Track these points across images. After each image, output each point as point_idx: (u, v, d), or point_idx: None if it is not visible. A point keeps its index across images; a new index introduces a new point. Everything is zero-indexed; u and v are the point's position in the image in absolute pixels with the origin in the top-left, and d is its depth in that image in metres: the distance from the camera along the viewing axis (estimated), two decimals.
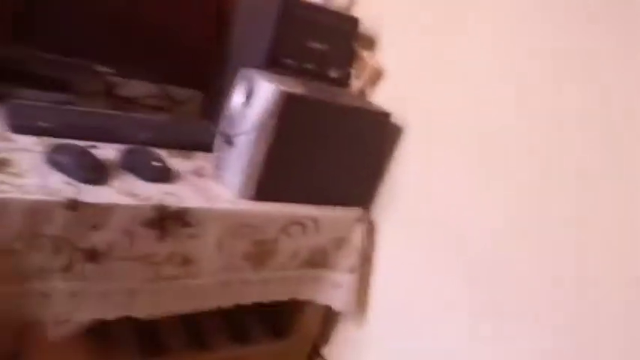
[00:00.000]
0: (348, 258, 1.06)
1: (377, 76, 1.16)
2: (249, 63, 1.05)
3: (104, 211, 0.77)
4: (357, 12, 1.23)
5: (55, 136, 0.91)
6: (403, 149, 1.10)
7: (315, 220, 0.99)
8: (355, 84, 1.17)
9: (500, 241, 0.91)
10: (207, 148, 1.07)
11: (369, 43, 1.18)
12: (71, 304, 0.79)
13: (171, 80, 1.25)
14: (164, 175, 0.91)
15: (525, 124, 0.89)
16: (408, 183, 1.09)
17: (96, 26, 1.06)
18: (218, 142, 1.01)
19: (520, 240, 0.88)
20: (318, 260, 1.04)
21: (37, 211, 0.72)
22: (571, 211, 0.82)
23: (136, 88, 1.25)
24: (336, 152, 1.02)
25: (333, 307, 1.10)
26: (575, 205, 0.81)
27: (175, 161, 0.98)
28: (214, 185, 0.95)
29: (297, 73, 1.09)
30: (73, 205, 0.75)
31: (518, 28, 0.92)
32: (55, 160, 0.82)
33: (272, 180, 0.95)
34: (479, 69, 0.98)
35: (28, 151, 0.84)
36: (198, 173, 0.99)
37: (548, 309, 0.83)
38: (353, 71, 1.17)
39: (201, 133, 1.13)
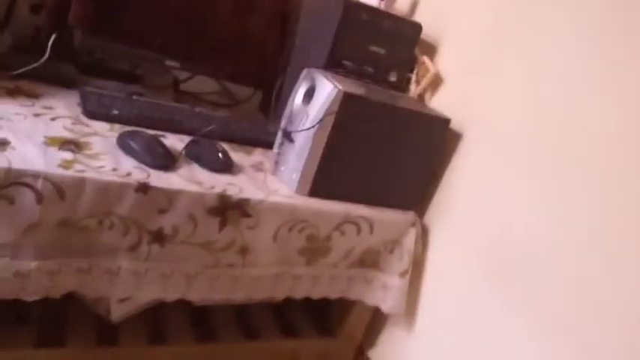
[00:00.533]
0: (400, 261, 1.06)
1: (437, 81, 1.16)
2: (310, 64, 1.07)
3: (171, 195, 0.81)
4: (419, 17, 1.24)
5: (125, 124, 0.96)
6: (460, 155, 1.09)
7: (369, 221, 1.00)
8: (414, 89, 1.18)
9: (555, 253, 0.89)
10: (266, 144, 1.10)
11: (430, 48, 1.19)
12: (134, 282, 0.83)
13: (233, 78, 1.29)
14: (227, 167, 0.94)
15: (586, 136, 0.87)
16: (462, 190, 1.08)
17: (167, 22, 1.11)
18: (278, 138, 1.03)
19: (577, 253, 0.86)
20: (370, 261, 1.04)
21: (109, 192, 0.76)
22: (636, 225, 0.79)
23: (201, 84, 1.30)
24: (392, 154, 1.02)
25: (381, 308, 1.09)
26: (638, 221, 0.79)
27: (236, 155, 1.01)
28: (273, 180, 0.98)
29: (357, 75, 1.11)
30: (143, 188, 0.78)
31: (589, 33, 0.91)
32: (127, 145, 0.86)
33: (328, 177, 0.97)
34: (542, 77, 0.97)
35: (102, 136, 0.89)
36: (258, 167, 1.01)
37: (608, 323, 0.80)
38: (412, 76, 1.18)
39: (261, 130, 1.16)
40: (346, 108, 0.92)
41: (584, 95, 0.90)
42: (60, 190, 0.73)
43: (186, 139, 0.97)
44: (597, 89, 0.88)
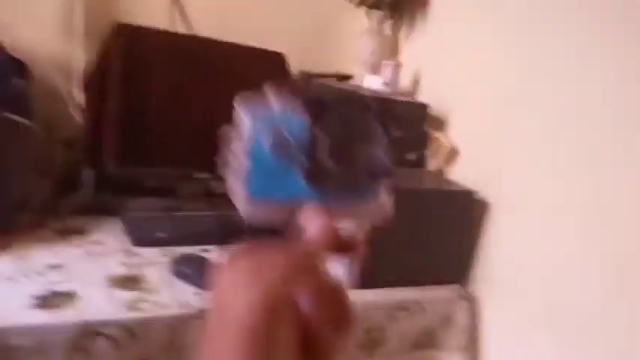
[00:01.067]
0: (455, 336, 1.07)
1: (452, 154, 1.21)
2: None
3: None
4: (423, 95, 1.31)
5: (171, 245, 1.00)
6: (492, 223, 1.13)
7: (418, 302, 1.03)
8: (433, 163, 1.23)
9: (601, 312, 0.91)
10: None
11: (440, 123, 1.25)
12: None
13: None
14: None
15: (610, 192, 0.92)
16: (501, 256, 1.11)
17: (190, 139, 1.17)
18: None
19: (624, 312, 0.88)
20: (426, 341, 1.06)
21: (175, 325, 0.79)
22: None
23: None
24: (427, 233, 1.06)
25: None
26: None
27: None
28: None
29: None
30: (203, 315, 0.81)
31: (597, 100, 0.97)
32: (180, 271, 0.90)
33: (374, 268, 0.99)
34: (559, 134, 1.02)
35: (154, 264, 0.93)
36: None
37: None
38: (429, 152, 1.24)
39: None
40: None
41: (607, 146, 0.94)
42: (131, 332, 0.76)
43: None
44: (619, 140, 0.93)
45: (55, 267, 0.86)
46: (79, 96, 1.13)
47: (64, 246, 0.94)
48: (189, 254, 0.95)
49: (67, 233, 0.99)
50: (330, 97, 0.32)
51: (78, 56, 1.13)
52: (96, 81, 1.07)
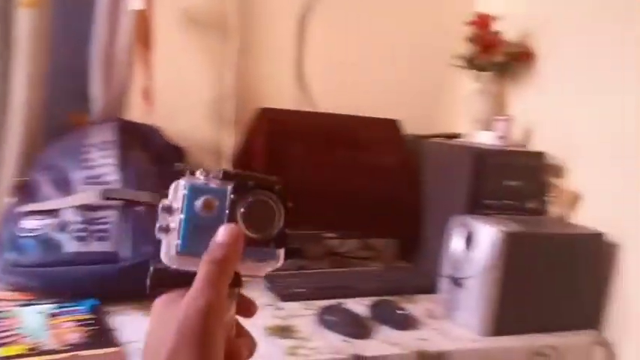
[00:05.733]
0: None
1: (574, 199, 1.22)
2: (448, 209, 1.19)
3: None
4: (538, 146, 1.34)
5: (310, 299, 1.10)
6: (623, 265, 1.11)
7: (554, 348, 1.02)
8: (553, 210, 1.24)
9: None
10: (424, 290, 1.19)
11: (559, 170, 1.27)
12: None
13: (372, 234, 1.44)
14: (410, 323, 1.03)
15: None
16: (635, 300, 1.08)
17: (322, 202, 1.30)
18: (444, 284, 1.12)
19: None
20: None
21: None
22: None
23: (347, 244, 1.45)
24: (559, 278, 1.06)
25: None
26: None
27: (406, 306, 1.10)
28: (451, 326, 1.05)
29: (500, 210, 1.20)
30: None
31: None
32: (326, 322, 0.99)
33: (507, 315, 1.02)
34: None
35: (301, 316, 1.03)
36: (432, 315, 1.09)
37: None
38: (549, 199, 1.25)
39: (415, 277, 1.26)
40: (512, 246, 1.01)
41: None
42: None
43: (361, 301, 1.09)
44: None
45: None
46: None
47: None
48: (332, 305, 1.04)
49: None
50: (249, 178, 0.40)
51: (227, 139, 1.33)
52: (243, 159, 1.25)
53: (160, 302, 0.39)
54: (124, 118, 1.24)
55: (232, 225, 0.39)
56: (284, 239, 0.41)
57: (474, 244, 1.05)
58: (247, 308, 0.43)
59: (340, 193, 1.31)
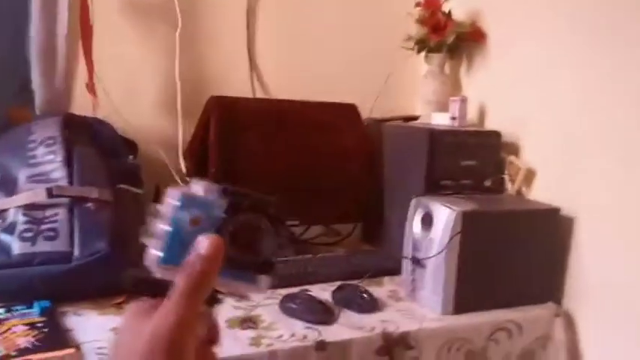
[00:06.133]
0: (556, 355, 1.07)
1: (530, 175, 1.25)
2: (407, 191, 1.19)
3: (344, 346, 0.90)
4: (492, 125, 1.37)
5: (273, 288, 1.08)
6: (578, 238, 1.14)
7: (516, 323, 1.04)
8: (510, 187, 1.27)
9: None
10: (389, 272, 1.19)
11: (514, 148, 1.29)
12: None
13: (339, 220, 1.43)
14: (374, 305, 1.03)
15: None
16: (591, 271, 1.11)
17: (281, 189, 1.28)
18: (407, 265, 1.12)
19: None
20: None
21: (297, 357, 0.86)
22: None
23: (311, 231, 1.44)
24: (516, 254, 1.09)
25: None
26: None
27: (370, 290, 1.10)
28: (415, 306, 1.05)
29: (457, 189, 1.21)
30: (322, 346, 0.88)
31: None
32: (289, 309, 0.98)
33: (467, 293, 1.03)
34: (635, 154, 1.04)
35: (264, 306, 1.01)
36: (396, 297, 1.10)
37: None
38: (506, 177, 1.28)
39: (379, 260, 1.26)
40: (468, 225, 1.02)
41: None
42: None
43: (325, 287, 1.08)
44: None
45: None
46: (181, 164, 1.28)
47: None
48: (294, 293, 1.03)
49: None
50: (245, 197, 0.40)
51: (179, 130, 1.29)
52: (196, 149, 1.22)
53: (132, 312, 0.38)
54: (69, 112, 1.19)
55: (214, 236, 0.37)
56: (270, 266, 0.40)
57: (432, 225, 1.06)
58: (213, 334, 0.41)
59: (300, 180, 1.29)
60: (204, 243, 0.37)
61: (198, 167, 1.21)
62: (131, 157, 1.19)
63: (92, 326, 0.87)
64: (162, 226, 0.38)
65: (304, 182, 1.31)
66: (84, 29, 1.19)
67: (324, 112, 1.39)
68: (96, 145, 1.14)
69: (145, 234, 0.38)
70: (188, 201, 0.38)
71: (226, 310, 0.97)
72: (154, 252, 0.37)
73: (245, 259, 0.39)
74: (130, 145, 1.21)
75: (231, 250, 0.38)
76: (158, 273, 0.38)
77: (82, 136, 1.13)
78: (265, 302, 1.02)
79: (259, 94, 1.44)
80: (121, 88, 1.28)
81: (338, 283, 1.09)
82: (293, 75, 1.48)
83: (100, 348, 0.80)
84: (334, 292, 1.05)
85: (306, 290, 1.06)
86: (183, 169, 1.27)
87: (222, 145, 1.20)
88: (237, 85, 1.40)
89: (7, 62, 1.21)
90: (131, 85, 1.30)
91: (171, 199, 0.38)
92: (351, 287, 1.07)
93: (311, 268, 1.18)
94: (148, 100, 1.32)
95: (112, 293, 0.96)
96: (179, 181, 1.25)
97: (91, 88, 1.20)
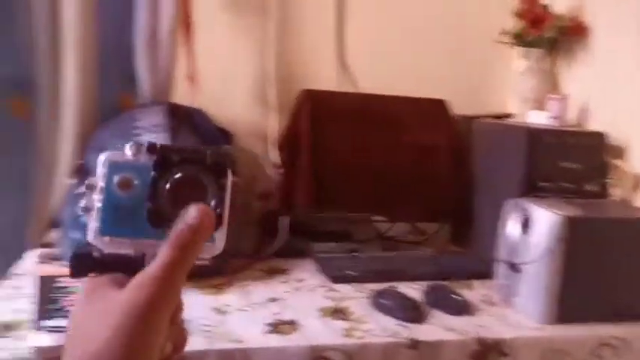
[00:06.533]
0: None
1: (637, 182, 1.16)
2: (501, 191, 1.15)
3: (437, 347, 0.88)
4: (595, 126, 1.28)
5: (363, 282, 1.08)
6: None
7: (622, 339, 0.97)
8: (616, 193, 1.18)
9: None
10: (481, 276, 1.15)
11: (619, 151, 1.21)
12: None
13: (426, 218, 1.40)
14: (467, 308, 1.00)
15: None
16: None
17: (370, 187, 1.27)
18: (501, 269, 1.08)
19: None
20: None
21: (387, 353, 0.85)
22: None
23: (396, 228, 1.42)
24: (625, 264, 1.01)
25: None
26: None
27: (461, 292, 1.07)
28: (510, 312, 1.01)
29: (557, 193, 1.15)
30: (415, 345, 0.86)
31: None
32: (380, 305, 0.97)
33: (569, 303, 0.98)
34: None
35: (354, 299, 1.01)
36: (489, 302, 1.06)
37: None
38: (610, 181, 1.19)
39: (469, 262, 1.22)
40: (573, 232, 0.96)
41: None
42: (350, 357, 0.84)
43: (414, 285, 1.06)
44: None
45: (273, 300, 0.99)
46: (273, 156, 1.30)
47: (274, 283, 1.07)
48: (386, 288, 1.02)
49: (272, 272, 1.12)
50: (178, 151, 0.36)
51: (272, 122, 1.32)
52: (288, 141, 1.24)
53: (88, 288, 0.35)
54: (171, 101, 1.24)
55: (202, 205, 0.35)
56: (220, 219, 0.36)
57: (532, 229, 1.01)
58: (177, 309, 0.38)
59: (388, 176, 1.28)
60: (192, 212, 0.34)
61: (290, 158, 1.22)
62: (227, 146, 1.23)
63: (195, 303, 0.91)
64: (95, 196, 0.36)
65: (391, 178, 1.29)
66: (186, 23, 1.24)
67: (413, 107, 1.36)
68: (196, 134, 1.18)
69: (83, 210, 0.36)
70: (113, 165, 0.36)
71: (317, 300, 0.98)
72: (92, 224, 0.36)
73: None
74: (226, 135, 1.25)
75: (174, 209, 0.35)
76: (102, 246, 0.36)
77: (184, 124, 1.17)
78: (353, 295, 1.02)
79: (348, 89, 1.44)
80: (216, 80, 1.32)
81: (425, 282, 1.07)
82: (382, 69, 1.47)
83: (205, 325, 0.85)
84: (425, 292, 1.03)
85: (394, 287, 1.05)
86: (276, 160, 1.29)
87: (312, 138, 1.21)
88: (327, 79, 1.41)
89: (115, 52, 1.28)
90: (227, 76, 1.34)
91: (99, 166, 0.36)
92: (442, 287, 1.05)
93: (397, 266, 1.17)
94: (241, 92, 1.36)
95: (212, 274, 1.00)
96: (272, 172, 1.28)
97: (191, 78, 1.25)
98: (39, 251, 1.13)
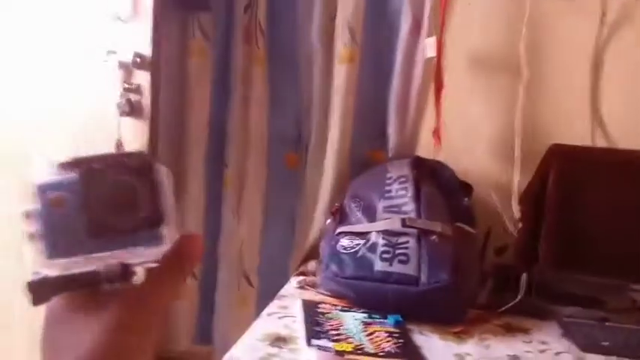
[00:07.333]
0: None
1: None
2: None
3: None
4: None
5: (618, 356, 0.98)
6: None
7: None
8: None
9: None
10: None
11: None
12: None
13: None
14: None
15: None
16: None
17: (626, 250, 1.16)
18: None
19: None
20: None
21: None
22: None
23: None
24: None
25: None
26: None
27: None
28: None
29: None
30: None
31: None
32: None
33: None
34: None
35: None
36: None
37: None
38: None
39: None
40: None
41: None
42: None
43: None
44: None
45: (515, 358, 0.97)
46: (514, 210, 1.30)
47: (514, 341, 1.05)
48: None
49: (511, 329, 1.10)
50: (96, 160, 0.34)
51: (515, 176, 1.32)
52: (532, 196, 1.22)
53: (61, 305, 0.35)
54: (416, 155, 1.36)
55: (193, 233, 0.37)
56: (160, 215, 0.35)
57: None
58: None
59: None
60: (184, 240, 0.35)
61: (534, 214, 1.21)
62: (466, 199, 1.28)
63: (436, 348, 0.96)
64: (35, 223, 0.35)
65: None
66: (437, 85, 1.35)
67: None
68: (438, 185, 1.27)
69: (29, 239, 0.35)
70: (41, 188, 0.35)
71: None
72: (39, 249, 0.35)
73: (131, 220, 0.35)
74: (466, 188, 1.30)
75: (110, 215, 0.34)
76: (56, 269, 0.35)
77: (427, 176, 1.27)
78: None
79: (601, 143, 1.36)
80: (460, 135, 1.39)
81: None
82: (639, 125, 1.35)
83: None
84: None
85: None
86: (516, 215, 1.28)
87: (560, 195, 1.18)
88: (578, 133, 1.36)
89: (369, 112, 1.47)
90: (470, 132, 1.41)
91: (31, 195, 0.35)
92: None
93: None
94: (484, 147, 1.40)
95: (450, 321, 1.04)
96: (511, 226, 1.28)
97: (437, 135, 1.35)
98: (299, 278, 1.31)
